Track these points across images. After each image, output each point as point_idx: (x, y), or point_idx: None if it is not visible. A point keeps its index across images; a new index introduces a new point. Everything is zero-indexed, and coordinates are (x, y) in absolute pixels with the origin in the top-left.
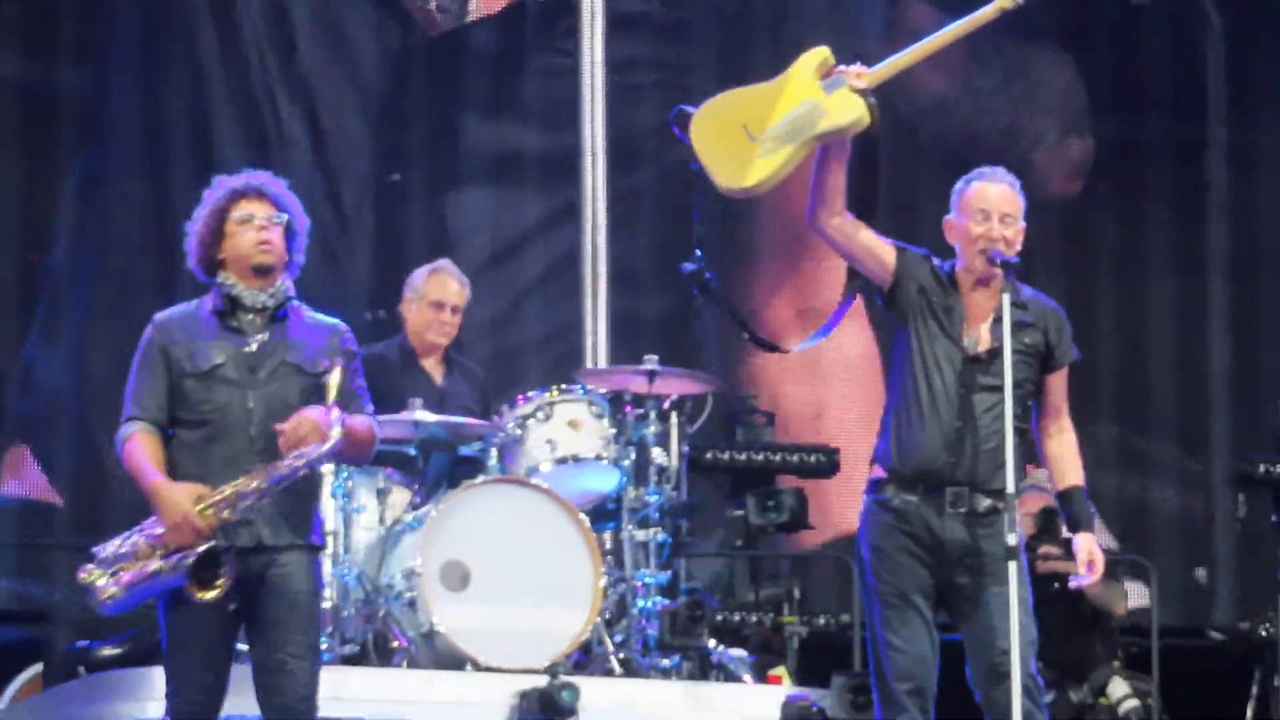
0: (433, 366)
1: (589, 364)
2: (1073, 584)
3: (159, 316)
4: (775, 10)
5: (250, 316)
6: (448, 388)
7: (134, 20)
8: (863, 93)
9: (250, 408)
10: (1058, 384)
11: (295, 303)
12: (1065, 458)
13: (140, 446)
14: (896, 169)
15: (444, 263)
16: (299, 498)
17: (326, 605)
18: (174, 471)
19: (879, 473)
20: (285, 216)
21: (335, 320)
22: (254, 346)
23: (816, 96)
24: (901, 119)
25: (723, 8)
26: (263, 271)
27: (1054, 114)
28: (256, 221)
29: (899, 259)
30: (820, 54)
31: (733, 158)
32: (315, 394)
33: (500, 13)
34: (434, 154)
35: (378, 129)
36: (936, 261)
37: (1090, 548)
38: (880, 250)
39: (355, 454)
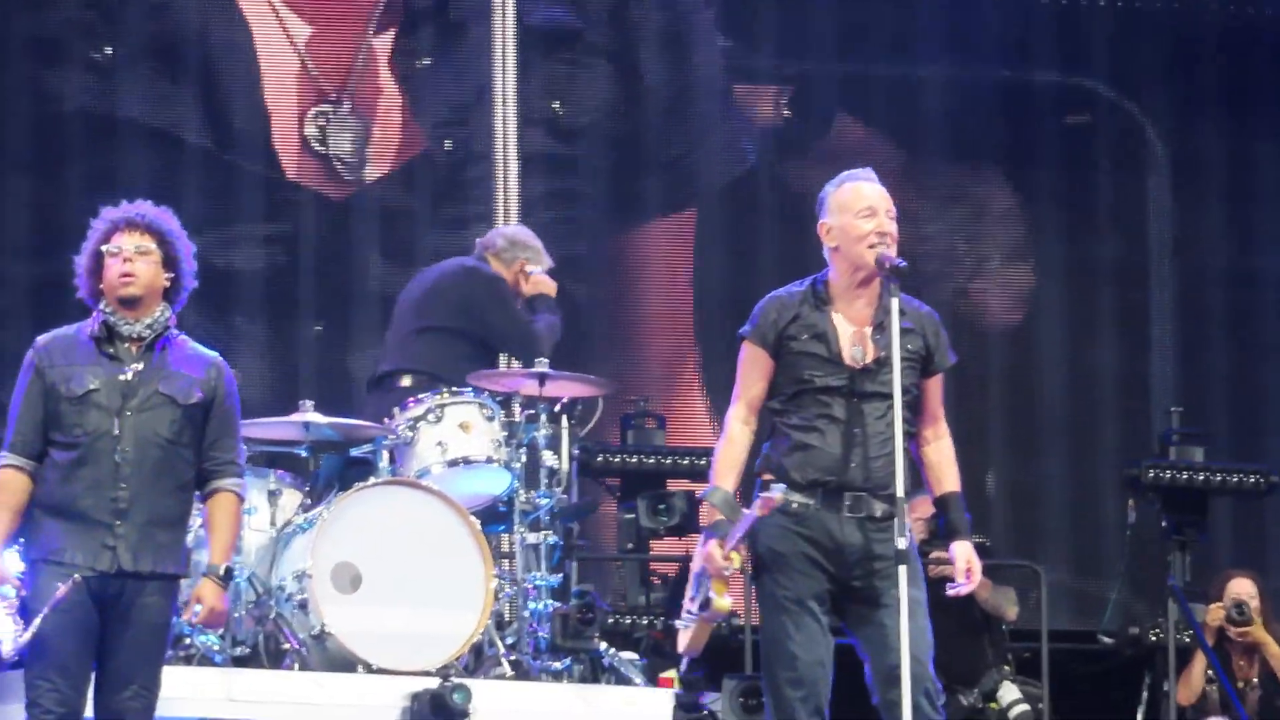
0: None
1: None
2: (950, 591)
3: (40, 340)
4: (665, 138)
5: (127, 345)
6: None
7: None
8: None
9: (117, 434)
10: (934, 389)
11: (175, 333)
12: (942, 464)
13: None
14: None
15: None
16: (165, 527)
17: None
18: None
19: (773, 478)
20: (154, 248)
21: (214, 354)
22: (129, 375)
23: None
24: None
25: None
26: (128, 303)
27: (995, 241)
28: (123, 254)
29: (765, 350)
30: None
31: None
32: (187, 425)
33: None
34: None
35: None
36: (792, 287)
37: (968, 555)
38: (763, 371)
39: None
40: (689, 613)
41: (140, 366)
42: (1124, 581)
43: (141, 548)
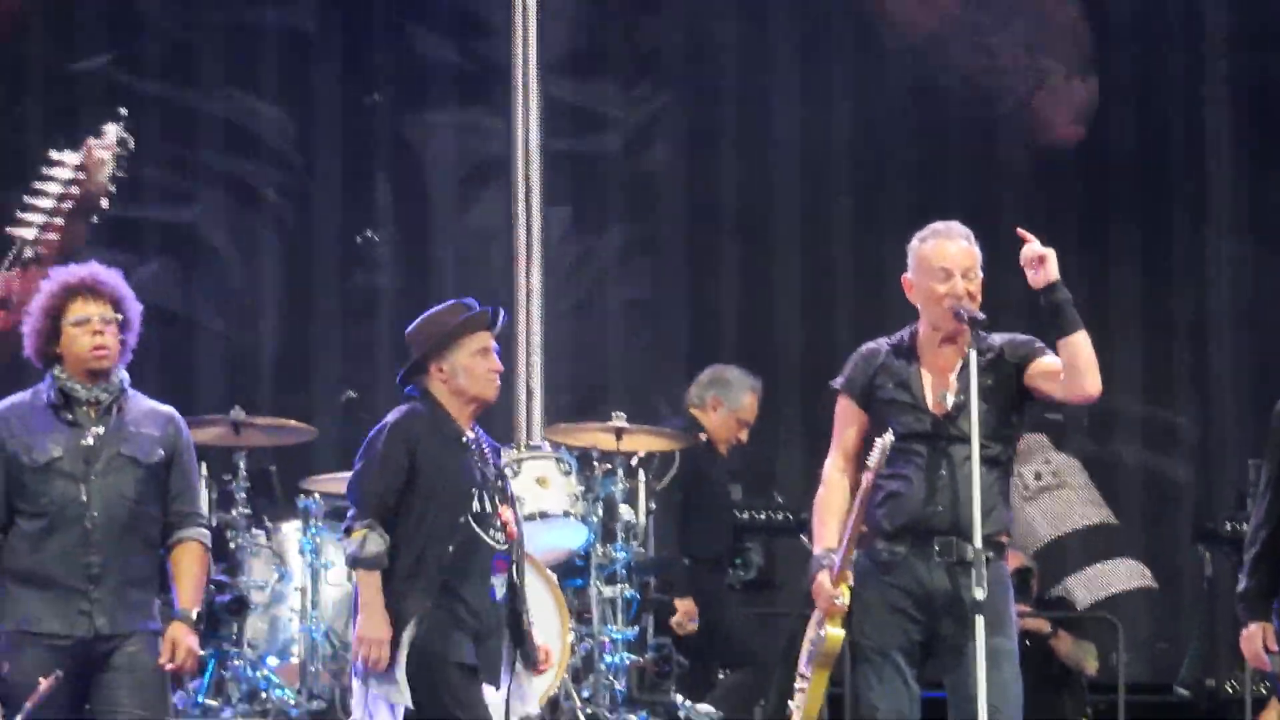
0: None
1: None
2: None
3: None
4: None
5: (84, 409)
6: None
7: None
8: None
9: (85, 500)
10: (1045, 367)
11: (129, 392)
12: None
13: None
14: (876, 110)
15: (759, 382)
16: (137, 586)
17: (294, 661)
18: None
19: (866, 527)
20: (115, 315)
21: (169, 409)
22: (90, 440)
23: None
24: (886, 56)
25: None
26: (97, 375)
27: (1057, 53)
28: (92, 324)
29: (858, 404)
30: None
31: None
32: (151, 483)
33: None
34: None
35: None
36: (883, 340)
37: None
38: (856, 422)
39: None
40: (803, 676)
41: (100, 430)
42: (1201, 635)
43: (117, 609)
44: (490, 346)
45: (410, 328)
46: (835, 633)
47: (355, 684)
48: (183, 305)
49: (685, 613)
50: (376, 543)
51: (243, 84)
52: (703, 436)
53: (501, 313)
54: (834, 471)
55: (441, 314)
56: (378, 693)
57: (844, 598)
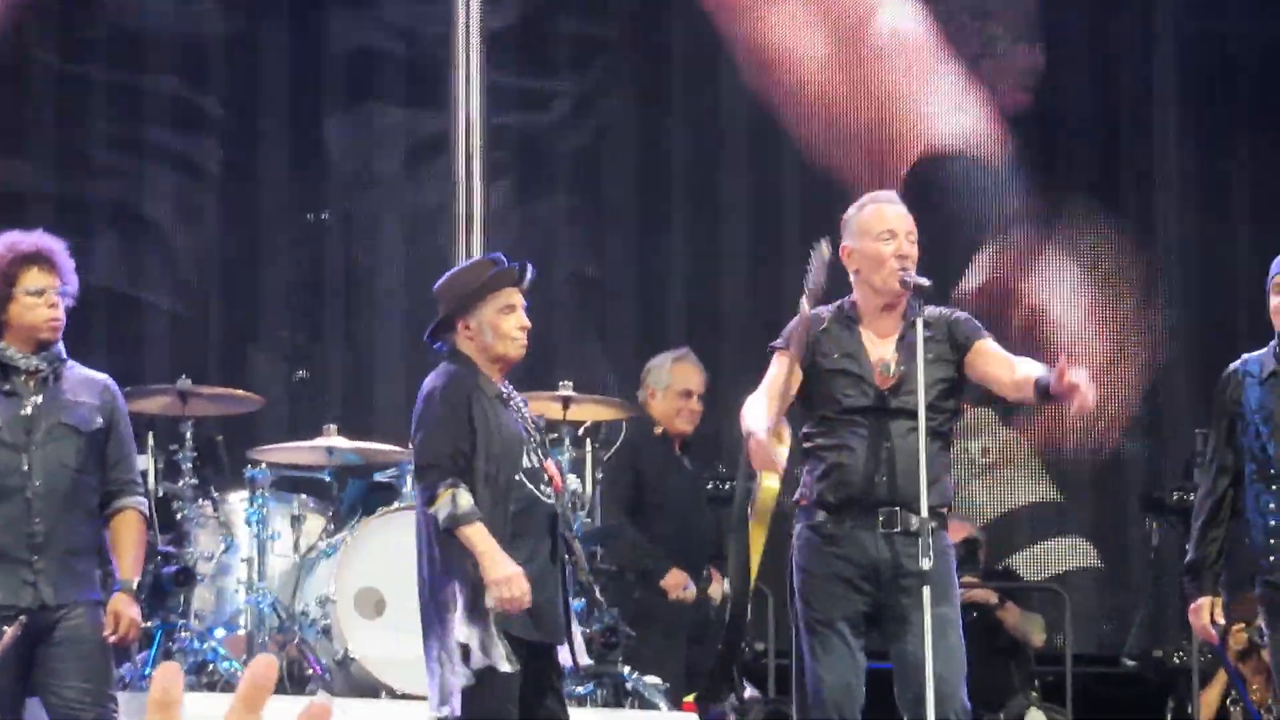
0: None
1: None
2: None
3: None
4: None
5: (23, 378)
6: (692, 472)
7: None
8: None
9: (26, 470)
10: (989, 351)
11: (67, 361)
12: (1027, 367)
13: None
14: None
15: (685, 351)
16: (80, 555)
17: (241, 632)
18: None
19: (807, 500)
20: (67, 287)
21: (104, 376)
22: (29, 409)
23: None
24: (829, 21)
25: None
26: (46, 345)
27: (1003, 19)
28: (48, 297)
29: (798, 360)
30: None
31: None
32: (90, 453)
33: None
34: None
35: None
36: (823, 310)
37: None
38: (795, 374)
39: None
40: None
41: (39, 399)
42: (1148, 605)
43: (61, 579)
44: (517, 303)
45: (438, 284)
46: (770, 484)
47: (462, 630)
48: (130, 279)
49: (676, 584)
50: (466, 497)
51: (188, 61)
52: (658, 430)
53: (530, 268)
54: (757, 397)
55: (468, 270)
56: (489, 639)
57: (781, 453)
